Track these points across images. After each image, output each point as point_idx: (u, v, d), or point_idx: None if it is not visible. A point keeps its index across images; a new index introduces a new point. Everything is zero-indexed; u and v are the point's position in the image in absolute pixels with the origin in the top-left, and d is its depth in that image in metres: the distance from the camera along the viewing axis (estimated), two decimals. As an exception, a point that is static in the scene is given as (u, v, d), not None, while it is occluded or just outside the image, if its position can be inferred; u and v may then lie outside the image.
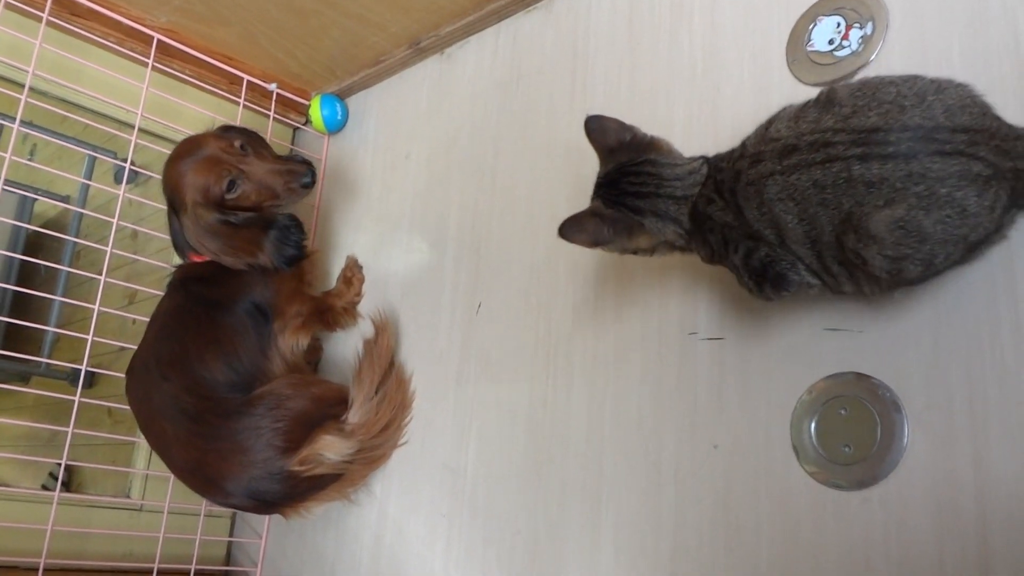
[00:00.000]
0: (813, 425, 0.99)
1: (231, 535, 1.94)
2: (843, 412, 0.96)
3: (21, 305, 3.11)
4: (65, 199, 3.31)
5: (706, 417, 1.11)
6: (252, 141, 1.54)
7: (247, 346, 1.50)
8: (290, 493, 1.43)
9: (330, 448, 1.41)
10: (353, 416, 1.48)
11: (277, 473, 1.40)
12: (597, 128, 1.05)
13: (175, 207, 1.49)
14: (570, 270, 1.35)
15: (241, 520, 1.95)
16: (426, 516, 1.48)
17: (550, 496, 1.28)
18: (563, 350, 1.33)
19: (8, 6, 1.56)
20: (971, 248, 0.80)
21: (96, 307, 1.64)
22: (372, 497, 1.61)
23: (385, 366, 1.57)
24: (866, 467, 0.93)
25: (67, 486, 2.19)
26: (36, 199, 3.10)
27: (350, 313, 1.73)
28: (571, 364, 1.31)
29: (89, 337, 1.63)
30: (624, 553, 1.15)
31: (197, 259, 1.53)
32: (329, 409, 1.48)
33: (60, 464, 1.59)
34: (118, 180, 2.82)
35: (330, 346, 1.82)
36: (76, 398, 1.59)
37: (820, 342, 1.00)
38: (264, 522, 1.85)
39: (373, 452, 1.54)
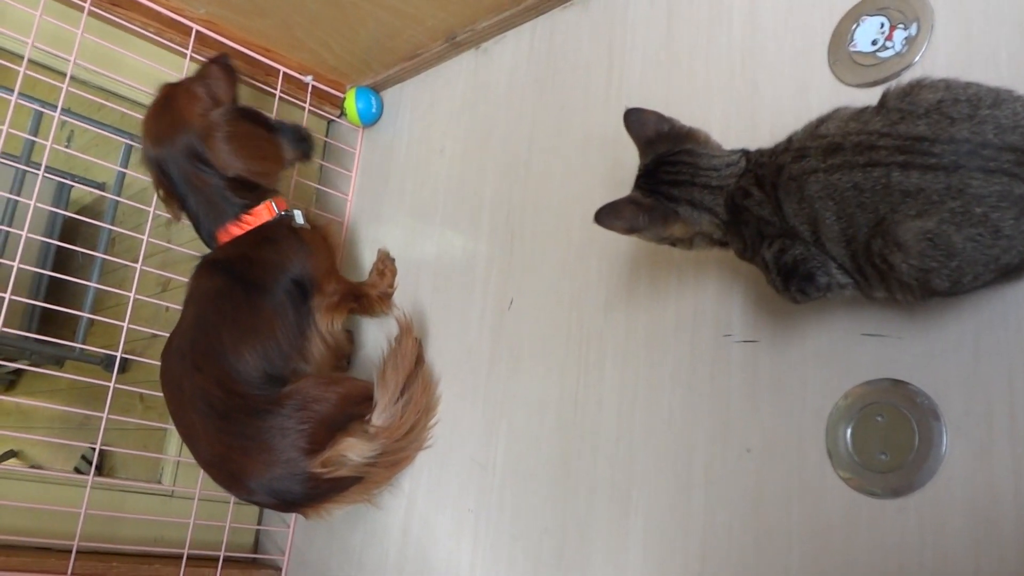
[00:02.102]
0: (849, 431, 0.98)
1: (259, 523, 1.96)
2: (880, 419, 0.95)
3: (57, 290, 3.16)
4: (101, 186, 3.35)
5: (739, 420, 1.10)
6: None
7: (286, 329, 1.51)
8: (311, 494, 1.44)
9: (353, 450, 1.41)
10: (377, 418, 1.48)
11: (299, 474, 1.40)
12: (636, 120, 1.05)
13: (192, 159, 1.50)
14: (603, 267, 1.35)
15: (271, 512, 1.96)
16: (453, 511, 1.48)
17: (579, 494, 1.27)
18: (594, 348, 1.32)
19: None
20: (1005, 271, 0.78)
21: (132, 294, 1.65)
22: (400, 491, 1.61)
23: (409, 367, 1.57)
24: (902, 475, 0.92)
25: (100, 470, 2.21)
26: (73, 186, 3.15)
27: (385, 301, 1.74)
28: (602, 363, 1.30)
29: (124, 324, 1.65)
30: (653, 554, 1.15)
31: (226, 238, 1.54)
32: (355, 408, 1.49)
33: (94, 448, 1.60)
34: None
35: (361, 339, 1.83)
36: (111, 384, 1.61)
37: (857, 347, 0.99)
38: (292, 514, 1.86)
39: (396, 455, 1.54)
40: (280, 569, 1.85)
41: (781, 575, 1.00)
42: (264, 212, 1.56)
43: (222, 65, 1.58)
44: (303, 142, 1.63)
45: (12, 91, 1.56)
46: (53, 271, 2.96)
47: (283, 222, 1.58)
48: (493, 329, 1.51)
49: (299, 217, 1.61)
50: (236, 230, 1.54)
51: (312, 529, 1.82)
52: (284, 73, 1.93)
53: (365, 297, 1.71)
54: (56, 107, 1.60)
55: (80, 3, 1.61)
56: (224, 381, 1.44)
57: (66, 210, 3.06)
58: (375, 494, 1.59)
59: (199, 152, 1.50)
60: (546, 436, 1.36)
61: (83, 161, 3.28)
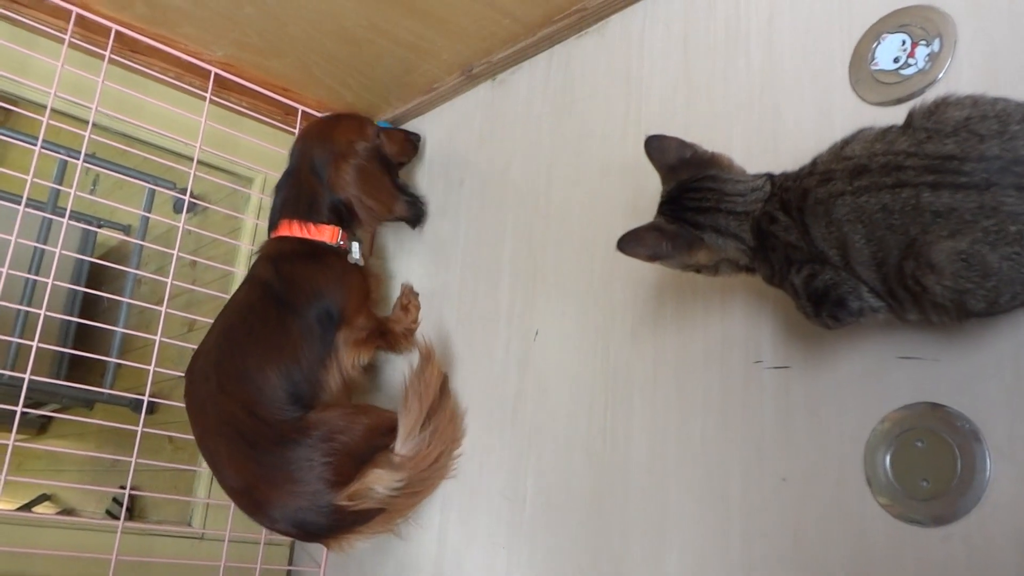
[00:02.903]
0: (888, 458, 0.95)
1: (290, 563, 1.94)
2: (919, 444, 0.92)
3: (84, 334, 3.19)
4: (126, 229, 3.39)
5: (773, 448, 1.07)
6: None
7: (310, 354, 1.52)
8: (335, 526, 1.44)
9: (380, 482, 1.41)
10: (402, 448, 1.47)
11: (324, 507, 1.40)
12: (657, 147, 1.04)
13: (323, 167, 1.62)
14: (627, 296, 1.33)
15: (300, 548, 1.95)
16: (485, 547, 1.46)
17: (612, 529, 1.25)
18: (622, 379, 1.30)
19: (72, 45, 1.60)
20: None
21: (158, 337, 1.66)
22: (431, 525, 1.59)
23: (433, 396, 1.55)
24: (946, 502, 0.89)
25: (130, 512, 2.22)
26: (97, 232, 3.19)
27: (408, 339, 1.74)
28: (630, 394, 1.28)
29: (151, 368, 1.65)
30: (690, 571, 1.12)
31: (285, 232, 1.61)
32: (380, 439, 1.48)
33: (124, 490, 1.60)
34: (177, 210, 2.89)
35: (383, 369, 1.82)
36: (139, 428, 1.61)
37: (893, 371, 0.97)
38: (323, 551, 1.85)
39: (420, 485, 1.53)
40: (312, 609, 1.84)
41: (824, 608, 0.97)
42: (328, 233, 1.61)
43: (399, 132, 1.80)
44: (417, 209, 1.79)
45: (36, 139, 1.58)
46: (80, 315, 2.99)
47: (337, 251, 1.62)
48: (519, 361, 1.50)
49: (355, 251, 1.65)
50: (297, 231, 1.60)
51: (343, 567, 1.80)
52: (303, 112, 1.94)
53: (390, 333, 1.71)
54: (80, 153, 1.62)
55: (100, 52, 1.63)
56: (249, 404, 1.45)
57: (92, 254, 3.10)
58: (398, 524, 1.57)
59: (321, 164, 1.62)
60: (576, 470, 1.34)
61: (108, 205, 3.32)
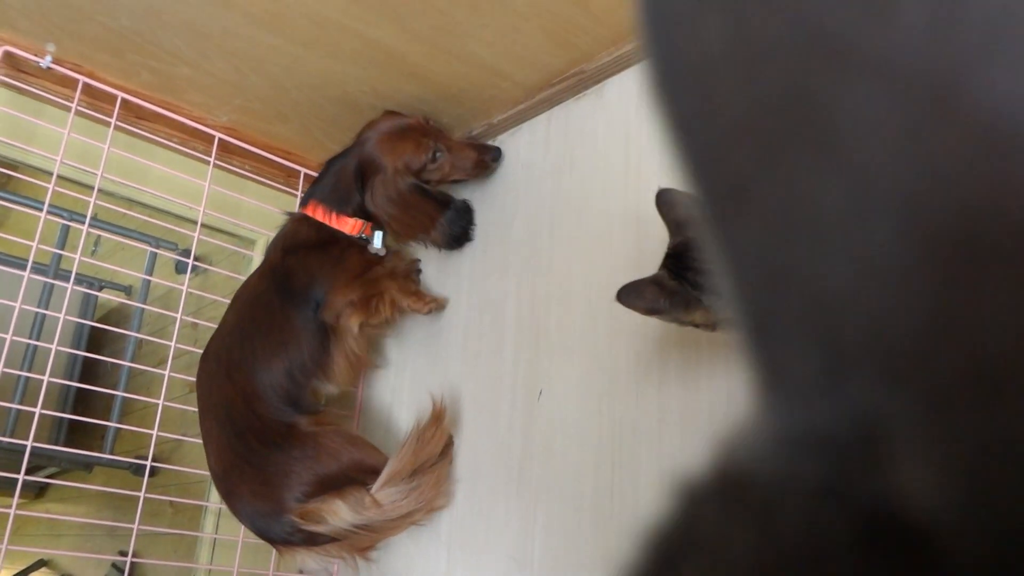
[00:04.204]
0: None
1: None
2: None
3: (84, 396, 3.17)
4: (127, 290, 3.40)
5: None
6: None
7: (312, 344, 1.56)
8: (288, 539, 1.48)
9: (337, 515, 1.44)
10: (377, 492, 1.49)
11: (284, 518, 1.45)
12: (667, 201, 1.05)
13: (365, 174, 1.59)
14: (631, 355, 1.33)
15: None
16: (492, 610, 1.44)
17: (621, 589, 1.24)
18: (628, 435, 1.30)
19: (79, 113, 1.63)
20: None
21: (160, 402, 1.66)
22: (436, 590, 1.58)
23: (429, 455, 1.56)
24: None
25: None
26: (99, 295, 3.19)
27: (407, 293, 1.71)
28: (637, 450, 1.28)
29: (154, 432, 1.65)
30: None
31: (310, 213, 1.62)
32: (361, 476, 1.51)
33: (124, 556, 1.59)
34: (179, 271, 2.90)
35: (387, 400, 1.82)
36: (141, 494, 1.60)
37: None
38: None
39: (380, 530, 1.55)
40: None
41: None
42: (349, 225, 1.62)
43: (474, 149, 1.67)
44: (456, 227, 1.70)
45: (41, 204, 1.59)
46: (81, 378, 2.98)
47: (353, 240, 1.64)
48: (524, 421, 1.50)
49: (377, 240, 1.66)
50: (321, 215, 1.61)
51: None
52: (305, 174, 1.96)
53: (386, 292, 1.68)
54: (84, 217, 1.64)
55: (107, 119, 1.66)
56: (249, 396, 1.49)
57: (92, 316, 3.10)
58: (359, 554, 1.59)
59: (364, 172, 1.60)
60: (584, 530, 1.33)
61: (109, 268, 3.34)
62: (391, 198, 1.59)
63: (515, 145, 1.73)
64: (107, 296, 3.39)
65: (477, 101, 1.67)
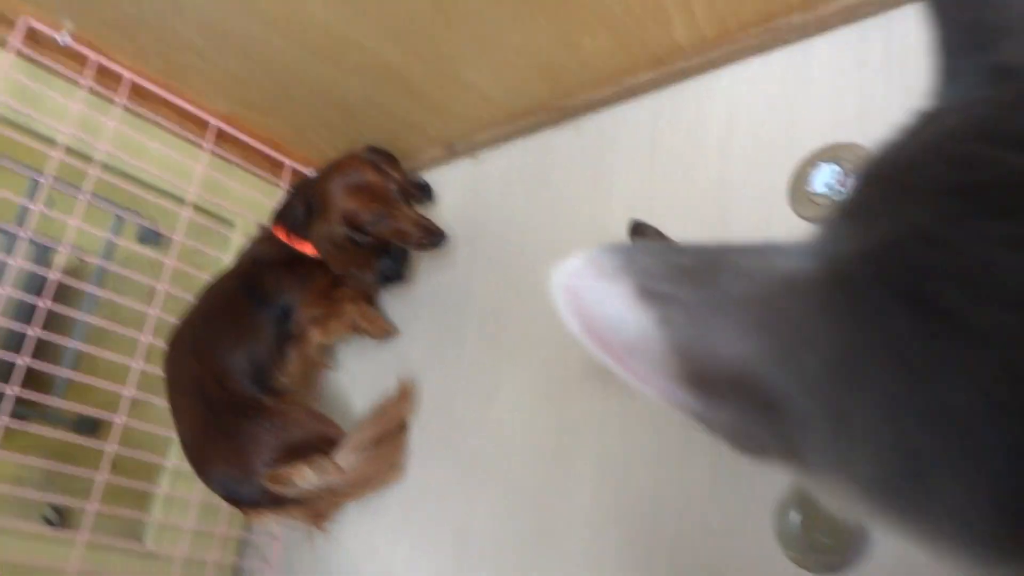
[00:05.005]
0: (798, 516, 1.13)
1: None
2: (821, 504, 1.10)
3: (40, 348, 3.19)
4: (86, 254, 3.43)
5: (701, 502, 1.24)
6: (403, 189, 1.75)
7: (270, 342, 1.71)
8: (256, 501, 1.62)
9: (303, 478, 1.59)
10: (339, 458, 1.64)
11: (253, 482, 1.59)
12: (639, 233, 1.21)
13: (312, 208, 1.69)
14: (581, 367, 1.50)
15: (244, 574, 2.03)
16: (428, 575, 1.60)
17: (552, 567, 1.40)
18: (572, 434, 1.46)
19: (92, 91, 1.73)
20: None
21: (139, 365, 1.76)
22: (375, 554, 1.72)
23: (387, 428, 1.74)
24: (838, 555, 1.07)
25: (63, 519, 2.25)
26: (58, 250, 3.23)
27: (365, 319, 1.89)
28: (576, 450, 1.44)
29: (116, 388, 1.75)
30: (623, 627, 1.28)
31: (277, 234, 1.74)
32: (324, 446, 1.66)
33: (57, 506, 1.72)
34: (141, 240, 2.96)
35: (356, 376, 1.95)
36: (86, 444, 1.70)
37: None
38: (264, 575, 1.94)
39: (340, 497, 1.72)
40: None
41: (739, 647, 1.14)
42: (309, 247, 1.73)
43: (421, 229, 1.71)
44: (391, 270, 1.87)
45: (34, 172, 1.69)
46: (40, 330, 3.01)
47: (315, 260, 1.75)
48: (478, 413, 1.65)
49: None
50: (283, 237, 1.74)
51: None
52: (291, 167, 2.08)
53: (345, 314, 1.84)
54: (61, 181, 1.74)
55: (112, 97, 1.76)
56: (218, 374, 1.64)
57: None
58: (316, 522, 1.75)
59: (312, 206, 1.69)
60: (523, 514, 1.48)
61: (72, 232, 3.37)
62: (326, 238, 1.68)
63: (494, 162, 1.88)
64: (71, 257, 3.42)
65: (463, 119, 1.82)
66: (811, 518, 1.11)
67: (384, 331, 1.91)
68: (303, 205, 1.71)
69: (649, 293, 0.34)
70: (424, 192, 1.88)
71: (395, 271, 1.88)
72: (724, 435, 0.37)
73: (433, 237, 1.71)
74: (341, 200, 1.65)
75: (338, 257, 1.70)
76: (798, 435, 0.31)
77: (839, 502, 0.32)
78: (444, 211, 1.95)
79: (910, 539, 0.28)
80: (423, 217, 1.72)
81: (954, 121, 0.29)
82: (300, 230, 1.72)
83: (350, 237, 1.68)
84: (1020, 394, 0.23)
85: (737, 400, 0.33)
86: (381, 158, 1.74)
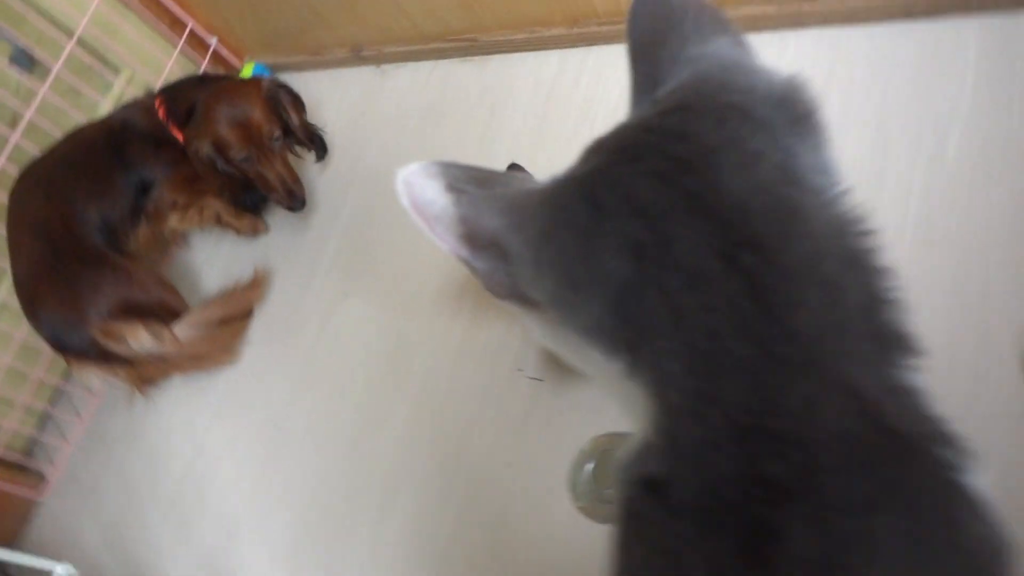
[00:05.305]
0: (591, 468, 1.23)
1: (38, 432, 1.97)
2: (612, 462, 1.21)
3: None
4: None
5: (510, 441, 1.33)
6: (295, 135, 1.71)
7: (125, 207, 1.67)
8: (83, 350, 1.60)
9: (135, 337, 1.58)
10: (177, 329, 1.64)
11: (82, 328, 1.57)
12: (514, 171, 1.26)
13: (194, 114, 1.64)
14: (438, 286, 1.56)
15: (52, 423, 2.00)
16: (240, 463, 1.63)
17: (361, 470, 1.46)
18: (407, 353, 1.52)
19: None
20: None
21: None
22: (192, 432, 1.73)
23: (234, 312, 1.75)
24: (619, 507, 1.18)
25: None
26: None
27: (229, 216, 1.87)
28: (410, 367, 1.51)
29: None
30: (407, 542, 1.35)
31: (159, 108, 1.69)
32: (164, 315, 1.65)
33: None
34: (12, 60, 2.81)
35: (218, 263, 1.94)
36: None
37: (610, 404, 1.25)
38: (73, 429, 1.92)
39: (172, 367, 1.73)
40: (47, 481, 1.90)
41: (510, 569, 1.24)
42: (181, 136, 1.68)
43: (286, 191, 1.68)
44: (251, 205, 1.87)
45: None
46: None
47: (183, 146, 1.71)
48: (324, 314, 1.68)
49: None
50: (163, 117, 1.68)
51: (92, 451, 1.89)
52: (192, 28, 2.02)
53: (207, 208, 1.82)
54: None
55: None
56: (67, 219, 1.60)
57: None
58: (140, 386, 1.76)
59: (192, 117, 1.64)
60: (345, 417, 1.54)
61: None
62: (194, 150, 1.64)
63: (396, 76, 1.90)
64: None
65: (377, 29, 1.82)
66: (602, 472, 1.22)
67: (252, 228, 1.90)
68: (188, 104, 1.66)
69: (451, 187, 0.58)
70: (318, 146, 1.77)
71: (254, 206, 1.89)
72: (483, 279, 0.59)
73: (292, 200, 1.69)
74: (219, 126, 1.60)
75: (200, 169, 1.67)
76: (519, 273, 0.54)
77: (537, 322, 0.57)
78: (338, 113, 1.95)
79: (572, 334, 0.50)
80: (292, 176, 1.70)
81: (629, 123, 0.53)
82: (177, 121, 1.68)
83: (214, 161, 1.64)
84: (627, 246, 0.45)
85: (491, 253, 0.56)
86: (287, 98, 1.68)
